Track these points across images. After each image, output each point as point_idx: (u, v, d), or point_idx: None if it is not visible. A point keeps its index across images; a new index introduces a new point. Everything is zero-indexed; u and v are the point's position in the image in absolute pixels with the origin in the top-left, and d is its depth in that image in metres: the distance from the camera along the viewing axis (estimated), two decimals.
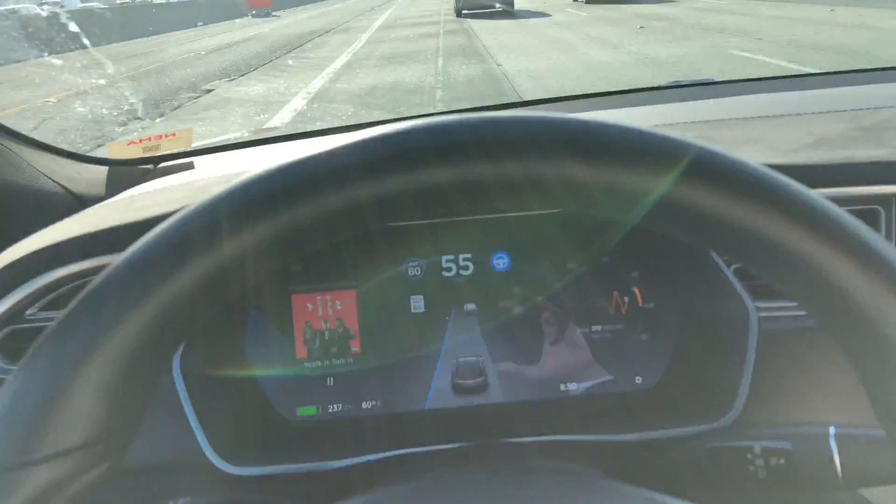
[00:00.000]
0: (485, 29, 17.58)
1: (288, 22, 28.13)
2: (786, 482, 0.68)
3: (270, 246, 0.39)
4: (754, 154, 0.85)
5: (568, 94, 1.60)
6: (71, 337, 0.37)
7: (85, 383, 0.36)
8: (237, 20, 33.06)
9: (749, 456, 0.70)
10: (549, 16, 21.04)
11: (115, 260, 0.39)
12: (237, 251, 0.39)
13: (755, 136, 0.96)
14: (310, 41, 18.32)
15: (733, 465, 0.71)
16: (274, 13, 36.05)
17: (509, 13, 21.82)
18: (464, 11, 21.75)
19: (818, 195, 0.42)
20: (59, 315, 0.38)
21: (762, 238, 0.40)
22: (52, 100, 10.05)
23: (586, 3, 22.98)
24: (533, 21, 19.48)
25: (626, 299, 0.93)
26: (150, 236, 0.39)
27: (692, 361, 0.89)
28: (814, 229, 0.40)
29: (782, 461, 0.68)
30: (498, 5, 22.38)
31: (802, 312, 0.82)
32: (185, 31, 26.93)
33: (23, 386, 0.36)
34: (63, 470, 0.36)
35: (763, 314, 0.81)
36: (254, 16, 34.56)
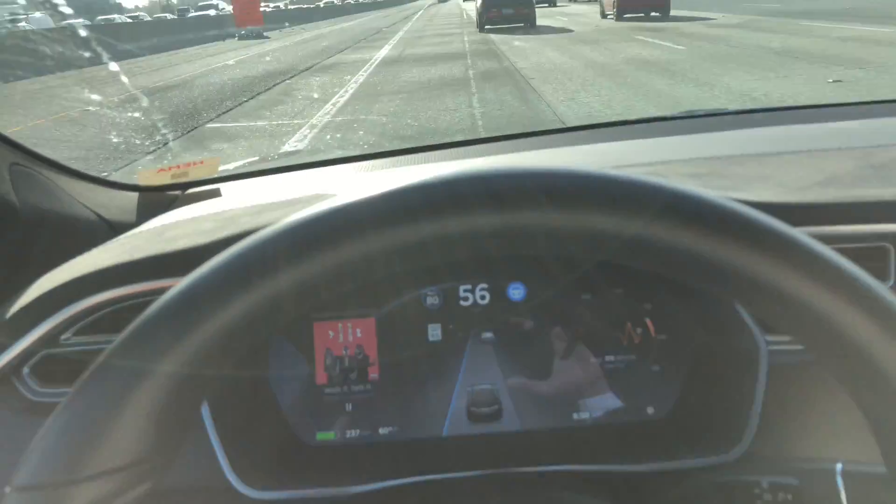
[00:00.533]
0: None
1: (273, 48, 22.78)
2: None
3: (310, 286, 0.41)
4: (765, 192, 0.87)
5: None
6: (125, 361, 0.39)
7: (136, 406, 0.38)
8: (216, 43, 27.16)
9: (756, 490, 0.71)
10: (571, 32, 20.03)
11: (171, 289, 0.41)
12: (288, 287, 0.41)
13: (766, 174, 0.97)
14: (282, 82, 13.18)
15: (741, 499, 0.72)
16: (266, 34, 29.91)
17: (532, 27, 21.88)
18: (486, 26, 22.02)
19: (798, 232, 0.43)
20: (115, 339, 0.41)
21: (748, 276, 0.42)
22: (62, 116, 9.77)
23: (616, 20, 22.18)
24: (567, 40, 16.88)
25: (639, 330, 0.94)
26: (204, 269, 0.41)
27: (703, 393, 0.90)
28: (795, 266, 0.42)
29: (790, 497, 0.69)
30: (523, 19, 22.38)
31: None
32: (136, 59, 21.42)
33: (77, 406, 0.39)
34: (108, 488, 0.38)
35: (773, 347, 0.82)
36: (241, 37, 28.46)
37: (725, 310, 0.84)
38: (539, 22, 23.06)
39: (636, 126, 1.58)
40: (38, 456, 0.38)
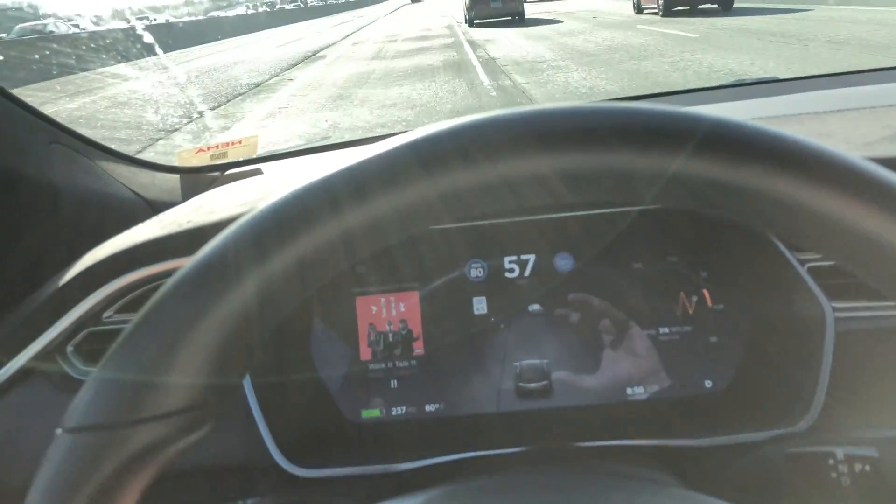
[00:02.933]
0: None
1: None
2: (873, 491, 0.65)
3: (345, 242, 0.40)
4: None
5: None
6: (180, 305, 0.38)
7: (191, 349, 0.37)
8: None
9: (831, 462, 0.67)
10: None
11: (236, 221, 0.41)
12: (325, 240, 0.40)
13: (828, 131, 0.92)
14: None
15: (814, 471, 0.68)
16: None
17: (521, 21, 21.41)
18: (475, 20, 21.83)
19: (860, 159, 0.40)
20: (168, 280, 0.40)
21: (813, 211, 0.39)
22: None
23: (662, 16, 17.39)
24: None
25: (695, 300, 0.90)
26: (265, 207, 0.41)
27: (765, 364, 0.86)
28: (860, 194, 0.39)
29: (868, 468, 0.65)
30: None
31: (882, 312, 0.79)
32: None
33: (134, 345, 0.37)
34: (164, 431, 0.37)
35: (839, 314, 0.78)
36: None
37: (788, 275, 0.80)
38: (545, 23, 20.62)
39: (684, 95, 1.53)
40: (91, 396, 0.37)
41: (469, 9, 22.16)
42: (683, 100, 1.48)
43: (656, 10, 18.47)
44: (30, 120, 0.93)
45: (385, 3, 79.08)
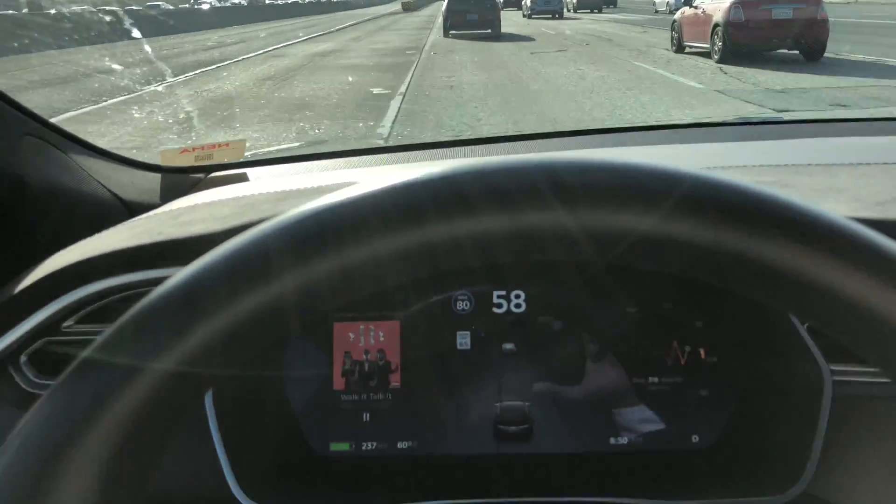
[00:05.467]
0: None
1: None
2: None
3: (326, 286, 0.37)
4: (840, 206, 0.79)
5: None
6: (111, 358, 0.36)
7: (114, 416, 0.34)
8: None
9: None
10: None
11: (170, 279, 0.37)
12: (290, 287, 0.36)
13: (838, 186, 0.88)
14: None
15: None
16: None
17: (495, 36, 21.59)
18: (451, 32, 22.26)
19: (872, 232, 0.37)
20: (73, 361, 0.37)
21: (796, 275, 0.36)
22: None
23: (718, 62, 11.62)
24: None
25: (687, 350, 0.86)
26: (200, 263, 0.37)
27: (756, 424, 0.82)
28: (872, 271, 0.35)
29: None
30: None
31: (883, 378, 0.74)
32: None
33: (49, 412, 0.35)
34: None
35: (837, 377, 0.74)
36: None
37: (785, 332, 0.77)
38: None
39: (687, 130, 1.49)
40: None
41: (445, 19, 22.71)
42: (686, 136, 1.44)
43: (707, 52, 12.45)
44: (4, 110, 0.89)
45: (377, 6, 77.03)
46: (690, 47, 13.35)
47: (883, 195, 0.84)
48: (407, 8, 57.66)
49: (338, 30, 28.82)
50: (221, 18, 36.33)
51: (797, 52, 11.73)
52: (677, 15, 14.25)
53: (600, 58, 13.58)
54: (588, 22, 29.38)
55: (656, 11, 37.99)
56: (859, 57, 11.85)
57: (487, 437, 0.85)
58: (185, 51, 18.10)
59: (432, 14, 43.54)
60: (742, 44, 11.66)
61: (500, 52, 16.00)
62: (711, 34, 11.97)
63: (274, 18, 43.38)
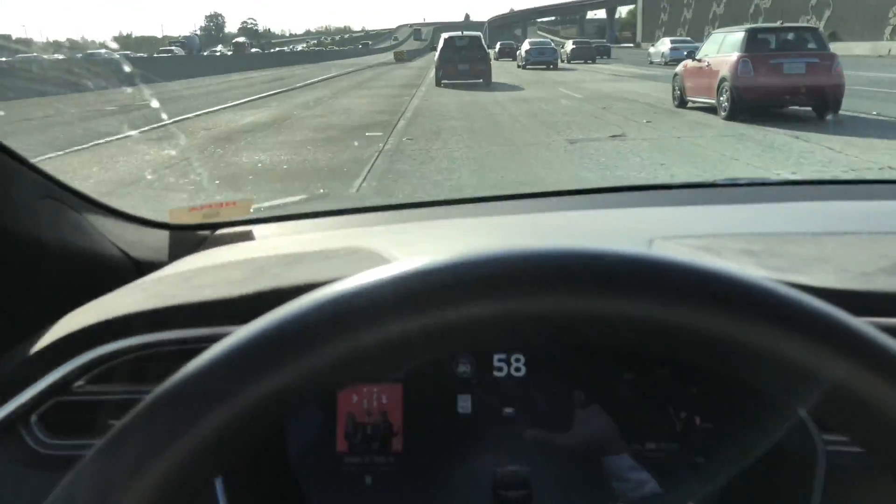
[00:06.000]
0: None
1: None
2: None
3: (341, 369, 0.39)
4: (826, 276, 0.81)
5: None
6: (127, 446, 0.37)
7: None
8: None
9: None
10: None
11: (179, 372, 0.39)
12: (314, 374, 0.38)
13: (825, 255, 0.91)
14: None
15: None
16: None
17: (487, 86, 21.62)
18: (443, 81, 22.43)
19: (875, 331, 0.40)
20: (129, 389, 0.38)
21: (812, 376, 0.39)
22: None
23: (726, 119, 11.03)
24: None
25: (683, 416, 0.88)
26: (213, 353, 0.38)
27: (750, 493, 0.83)
28: (870, 368, 0.38)
29: None
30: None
31: None
32: None
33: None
34: None
35: (831, 448, 0.75)
36: None
37: (779, 402, 0.78)
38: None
39: (677, 191, 1.52)
40: None
41: (437, 69, 22.99)
42: (676, 196, 1.45)
43: (712, 106, 11.77)
44: (24, 173, 0.92)
45: (371, 56, 75.96)
46: (693, 102, 12.73)
47: (869, 266, 0.86)
48: (399, 58, 56.26)
49: (302, 86, 24.34)
50: (183, 69, 32.11)
51: (810, 108, 11.17)
52: (679, 68, 13.66)
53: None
54: (584, 74, 28.03)
55: (651, 62, 37.81)
56: (881, 116, 11.07)
57: (487, 503, 0.86)
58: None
59: (424, 66, 40.81)
60: (752, 100, 11.02)
61: (508, 129, 11.16)
62: (717, 89, 11.44)
63: (254, 68, 40.91)
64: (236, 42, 75.86)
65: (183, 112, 14.33)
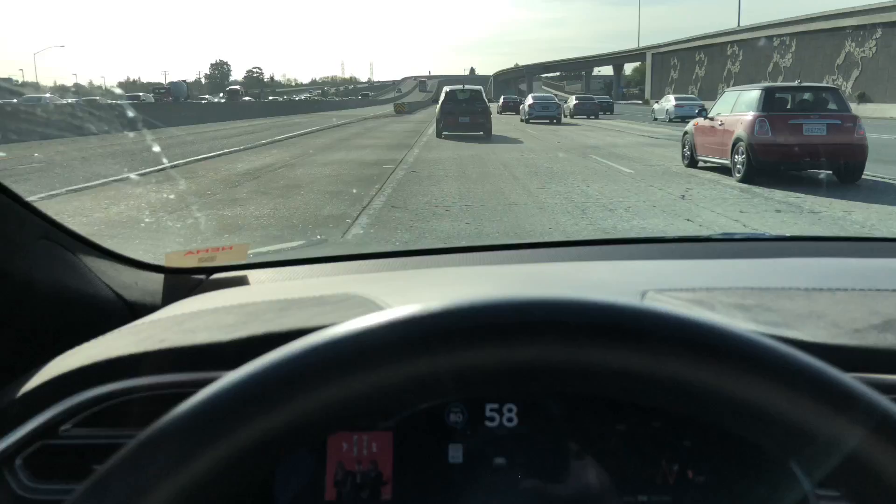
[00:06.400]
0: None
1: None
2: None
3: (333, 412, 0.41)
4: (818, 332, 0.84)
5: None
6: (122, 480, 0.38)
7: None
8: None
9: None
10: None
11: (171, 413, 0.39)
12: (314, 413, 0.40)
13: (818, 311, 0.93)
14: None
15: None
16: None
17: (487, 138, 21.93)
18: (444, 133, 22.79)
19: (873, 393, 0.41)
20: (117, 433, 0.41)
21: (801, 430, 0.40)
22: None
23: (741, 181, 10.42)
24: None
25: (675, 468, 0.87)
26: (207, 394, 0.39)
27: None
28: (859, 424, 0.39)
29: None
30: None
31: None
32: None
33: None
34: None
35: (824, 502, 0.77)
36: None
37: (771, 455, 0.80)
38: None
39: (671, 245, 1.54)
40: None
41: (438, 121, 23.40)
42: (671, 250, 1.47)
43: (726, 166, 11.14)
44: (22, 213, 0.93)
45: (371, 107, 73.34)
46: (705, 161, 12.19)
47: (860, 322, 0.88)
48: (399, 111, 54.32)
49: (267, 143, 20.16)
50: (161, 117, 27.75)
51: (830, 172, 10.60)
52: (689, 126, 13.03)
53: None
54: (589, 131, 27.26)
55: (655, 119, 37.60)
56: None
57: None
58: None
59: (423, 120, 38.26)
60: (769, 161, 10.41)
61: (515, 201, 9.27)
62: (732, 150, 10.87)
63: (241, 118, 38.93)
64: (230, 89, 77.36)
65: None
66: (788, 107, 11.32)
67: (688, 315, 0.40)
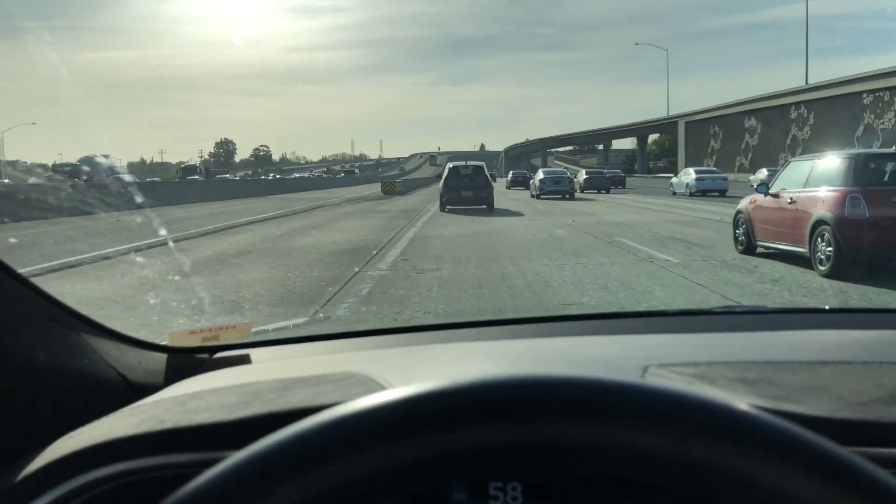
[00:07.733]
0: None
1: None
2: None
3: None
4: (822, 406, 0.83)
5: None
6: None
7: None
8: None
9: None
10: None
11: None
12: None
13: (821, 385, 0.92)
14: None
15: None
16: None
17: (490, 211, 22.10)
18: (447, 206, 23.17)
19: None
20: None
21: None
22: None
23: (825, 276, 8.17)
24: None
25: None
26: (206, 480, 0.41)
27: None
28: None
29: None
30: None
31: None
32: None
33: None
34: None
35: None
36: None
37: None
38: None
39: (673, 318, 1.55)
40: None
41: (442, 195, 23.94)
42: (672, 324, 1.50)
43: (799, 255, 9.18)
44: (25, 294, 0.95)
45: (361, 185, 64.82)
46: (767, 248, 9.93)
47: (864, 395, 0.88)
48: (388, 191, 41.59)
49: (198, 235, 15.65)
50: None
51: None
52: (744, 204, 10.69)
53: None
54: (606, 207, 25.40)
55: (673, 193, 35.28)
56: None
57: None
58: None
59: (420, 202, 31.41)
60: (866, 250, 8.07)
61: None
62: (811, 235, 8.59)
63: (225, 198, 35.34)
64: (186, 166, 76.89)
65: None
66: (885, 179, 8.73)
67: (703, 396, 0.41)
